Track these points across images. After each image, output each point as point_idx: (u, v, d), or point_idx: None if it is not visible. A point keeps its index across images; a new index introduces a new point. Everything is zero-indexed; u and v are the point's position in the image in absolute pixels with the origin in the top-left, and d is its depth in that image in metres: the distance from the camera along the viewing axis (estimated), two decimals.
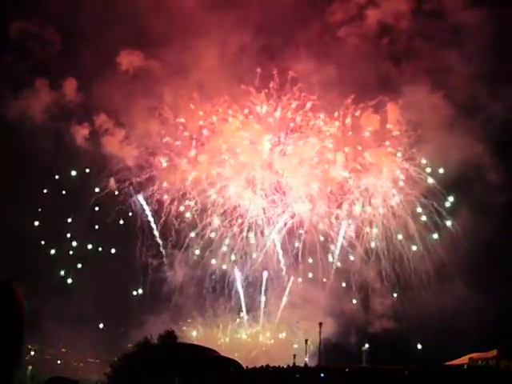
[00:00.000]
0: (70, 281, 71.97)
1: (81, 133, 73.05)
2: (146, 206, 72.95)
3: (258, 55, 74.90)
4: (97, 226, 71.94)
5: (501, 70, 69.28)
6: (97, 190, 72.15)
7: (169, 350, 48.05)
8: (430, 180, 70.73)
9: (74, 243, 72.13)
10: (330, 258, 72.47)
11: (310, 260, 72.76)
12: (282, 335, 72.50)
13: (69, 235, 71.71)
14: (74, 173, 72.89)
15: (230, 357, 55.80)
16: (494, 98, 69.01)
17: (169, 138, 74.89)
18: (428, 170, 71.05)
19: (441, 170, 70.52)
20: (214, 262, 72.41)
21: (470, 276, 63.61)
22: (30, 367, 64.66)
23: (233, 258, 72.95)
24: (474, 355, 54.51)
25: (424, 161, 71.14)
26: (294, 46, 75.83)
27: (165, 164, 73.98)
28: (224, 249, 72.68)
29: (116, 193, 72.72)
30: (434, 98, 70.07)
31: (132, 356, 48.18)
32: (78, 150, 72.50)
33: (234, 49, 73.98)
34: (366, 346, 65.18)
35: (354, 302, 71.48)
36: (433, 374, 50.57)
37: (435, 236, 70.63)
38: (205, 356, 51.49)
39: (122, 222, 72.11)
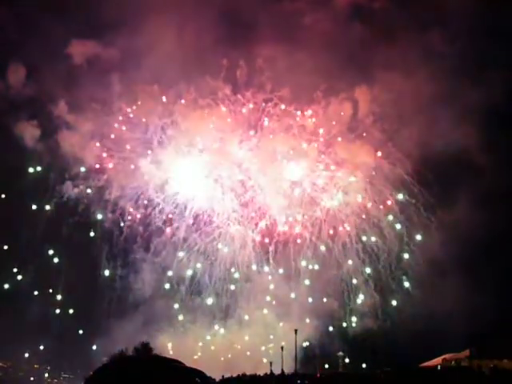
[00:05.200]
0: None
1: (30, 130, 76.46)
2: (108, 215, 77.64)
3: (220, 41, 77.78)
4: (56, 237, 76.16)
5: (484, 53, 74.11)
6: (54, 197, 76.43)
7: (142, 363, 53.04)
8: (407, 175, 76.33)
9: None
10: (305, 259, 78.13)
11: (285, 261, 78.14)
12: (259, 341, 78.11)
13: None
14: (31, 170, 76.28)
15: (199, 368, 61.10)
16: (476, 84, 73.66)
17: (128, 136, 79.27)
18: (405, 163, 76.48)
19: (419, 162, 75.55)
20: (182, 269, 77.42)
21: (445, 278, 70.17)
22: None
23: (202, 264, 78.16)
24: (447, 356, 61.75)
25: (400, 154, 76.51)
26: (259, 32, 79.29)
27: (126, 165, 78.55)
28: (193, 255, 77.65)
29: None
30: (411, 84, 74.94)
31: (107, 369, 53.36)
32: (29, 149, 76.18)
33: (193, 34, 77.41)
34: (341, 353, 72.17)
35: (332, 302, 77.59)
36: (407, 377, 56.89)
37: (418, 237, 76.51)
38: (170, 368, 56.47)
39: (83, 231, 76.55)
